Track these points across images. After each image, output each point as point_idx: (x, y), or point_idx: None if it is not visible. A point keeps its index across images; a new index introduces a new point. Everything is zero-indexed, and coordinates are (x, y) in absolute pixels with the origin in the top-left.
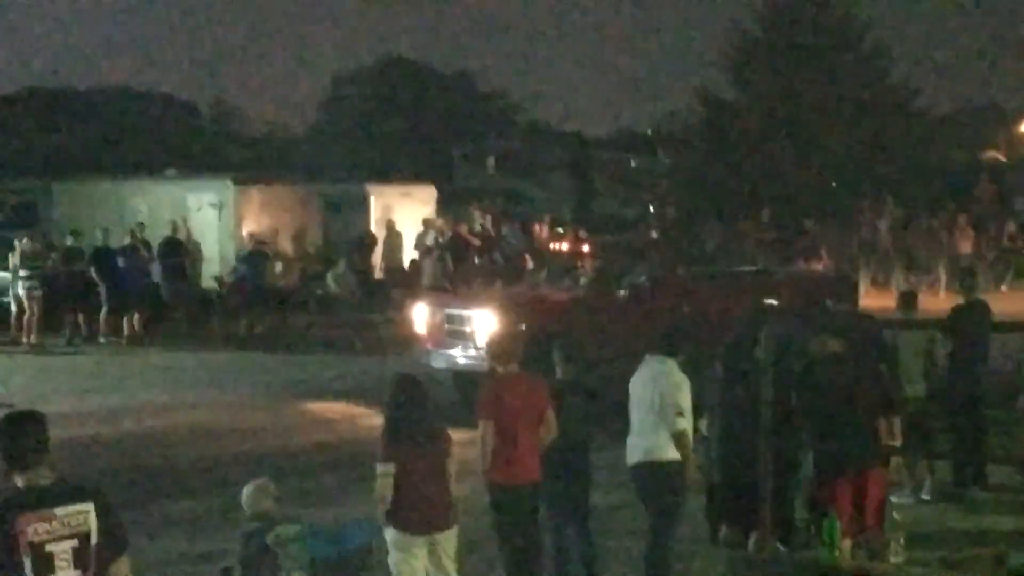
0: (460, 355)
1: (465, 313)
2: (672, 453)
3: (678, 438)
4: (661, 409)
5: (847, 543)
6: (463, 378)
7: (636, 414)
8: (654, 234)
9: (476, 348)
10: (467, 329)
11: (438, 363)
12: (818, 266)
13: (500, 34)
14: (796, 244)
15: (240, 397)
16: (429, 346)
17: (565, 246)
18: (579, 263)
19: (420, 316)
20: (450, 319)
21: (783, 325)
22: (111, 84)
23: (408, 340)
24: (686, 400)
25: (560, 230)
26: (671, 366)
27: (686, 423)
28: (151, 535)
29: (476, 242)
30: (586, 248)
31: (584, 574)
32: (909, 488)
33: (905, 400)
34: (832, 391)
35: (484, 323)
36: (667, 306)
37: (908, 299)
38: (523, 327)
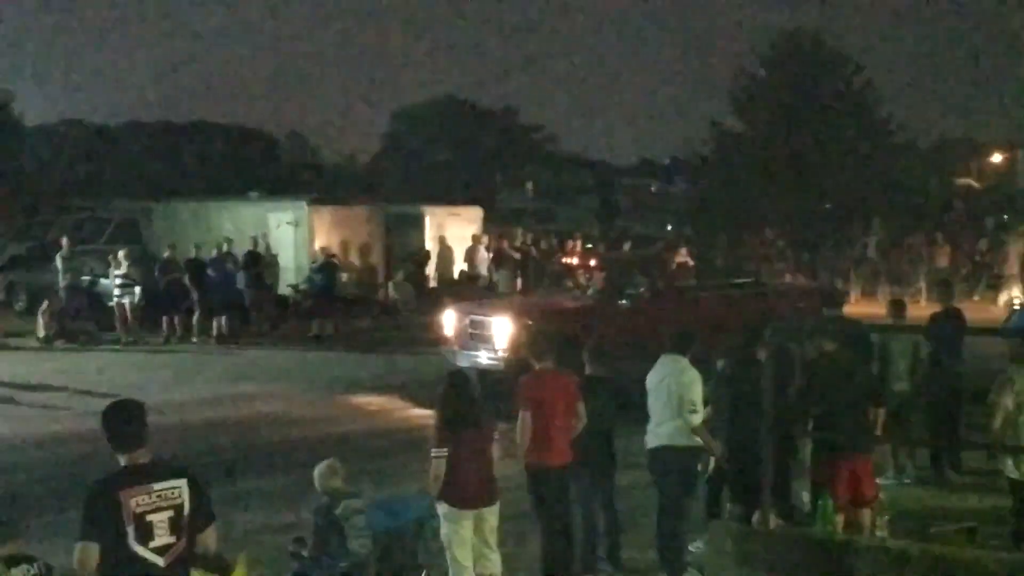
0: (482, 355)
1: (486, 319)
2: (686, 440)
3: (695, 430)
4: (678, 403)
5: (840, 519)
6: (485, 375)
7: (654, 405)
8: (684, 252)
9: (495, 349)
10: (487, 333)
11: (463, 362)
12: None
13: (538, 74)
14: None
15: (309, 390)
16: (456, 347)
17: (575, 260)
18: (589, 275)
19: (448, 321)
20: (473, 324)
21: (782, 330)
22: (203, 119)
23: (439, 341)
24: (698, 395)
25: (589, 245)
26: (684, 364)
27: (699, 417)
28: (236, 509)
29: (516, 256)
30: (593, 262)
31: (608, 544)
32: (892, 472)
33: (889, 394)
34: (827, 386)
35: (501, 328)
36: (663, 313)
37: (898, 307)
38: (540, 328)
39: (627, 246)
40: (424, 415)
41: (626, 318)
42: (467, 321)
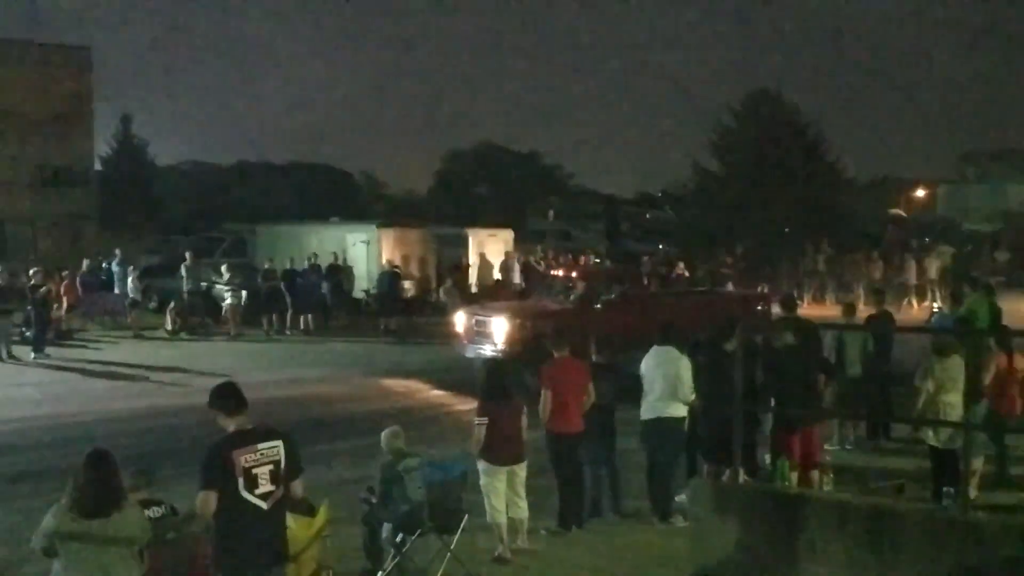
0: (485, 348)
1: (487, 319)
2: (675, 412)
3: (688, 405)
4: (676, 385)
5: (794, 476)
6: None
7: (651, 386)
8: (681, 266)
9: (494, 343)
10: (488, 330)
11: (470, 354)
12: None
13: (558, 125)
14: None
15: (374, 373)
16: (465, 341)
17: (561, 272)
18: (572, 284)
19: (459, 321)
20: (477, 323)
21: (749, 328)
22: (296, 159)
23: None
24: (689, 377)
25: (598, 260)
26: (677, 353)
27: (692, 393)
28: (318, 465)
29: (540, 268)
30: (574, 274)
31: (611, 496)
32: (837, 439)
33: (843, 377)
34: (787, 371)
35: (499, 327)
36: (629, 314)
37: (850, 309)
38: (527, 327)
39: (645, 259)
40: (463, 394)
41: (599, 317)
42: (473, 321)
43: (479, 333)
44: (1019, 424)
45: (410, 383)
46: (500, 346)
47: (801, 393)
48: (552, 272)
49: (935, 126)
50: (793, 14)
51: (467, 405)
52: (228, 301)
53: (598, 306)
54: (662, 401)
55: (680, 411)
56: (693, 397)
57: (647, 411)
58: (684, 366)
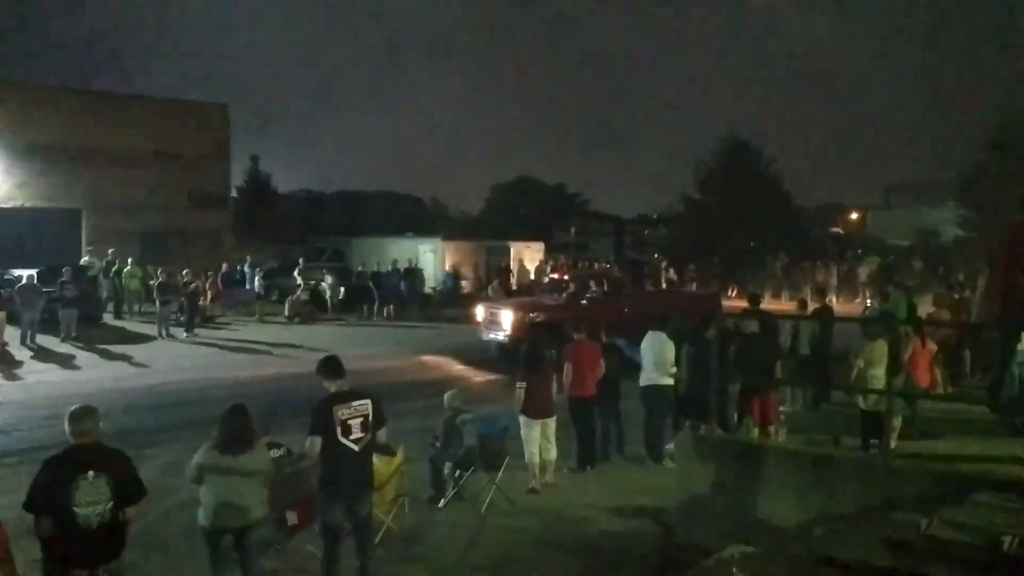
0: (495, 333)
1: (498, 311)
2: (664, 381)
3: (672, 375)
4: (663, 360)
5: (756, 431)
6: (500, 347)
7: (647, 362)
8: (672, 272)
9: (503, 330)
10: (498, 320)
11: (485, 337)
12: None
13: (579, 160)
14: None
15: (439, 350)
16: (483, 328)
17: (557, 275)
18: (567, 285)
19: (479, 312)
20: (491, 313)
21: (722, 318)
22: (382, 188)
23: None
24: (672, 355)
25: (608, 266)
26: (664, 337)
27: (674, 368)
28: (395, 419)
29: (561, 271)
30: (566, 277)
31: (617, 444)
32: (790, 403)
33: (796, 356)
34: (751, 352)
35: (507, 317)
36: (609, 308)
37: (803, 304)
38: (528, 317)
39: (660, 260)
40: (490, 368)
41: (584, 310)
42: (488, 312)
43: (492, 322)
44: (927, 392)
45: (464, 357)
46: (507, 332)
47: (762, 367)
48: (551, 275)
49: (866, 163)
50: (762, 72)
51: (494, 375)
52: (331, 296)
53: (583, 301)
54: (654, 373)
55: (668, 380)
56: (675, 370)
57: (643, 380)
58: (669, 347)
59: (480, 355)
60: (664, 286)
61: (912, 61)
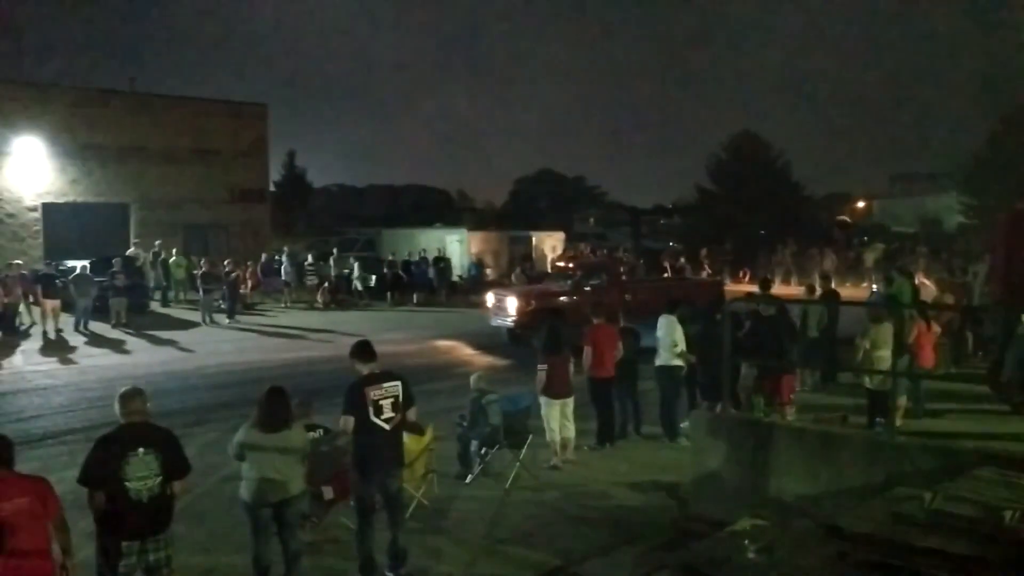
0: (503, 319)
1: (505, 297)
2: (676, 362)
3: (680, 356)
4: (673, 342)
5: (768, 409)
6: (509, 332)
7: (659, 343)
8: (683, 260)
9: (508, 315)
10: (506, 306)
11: (494, 323)
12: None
13: (598, 152)
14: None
15: (466, 334)
16: (492, 314)
17: (562, 264)
18: (573, 272)
19: (488, 299)
20: (499, 300)
21: (733, 302)
22: (412, 182)
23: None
24: (681, 338)
25: (625, 252)
26: (673, 320)
27: (683, 350)
28: (423, 399)
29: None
30: (571, 266)
31: (635, 423)
32: (799, 383)
33: (806, 338)
34: (766, 334)
35: (511, 302)
36: (612, 296)
37: (811, 290)
38: (532, 304)
39: (673, 245)
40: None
41: (585, 296)
42: (496, 299)
43: (500, 308)
44: (930, 372)
45: (488, 341)
46: (513, 317)
47: (774, 350)
48: (557, 264)
49: (872, 153)
50: (772, 67)
51: (506, 359)
52: (362, 283)
53: (587, 288)
54: (667, 353)
55: (678, 361)
56: (678, 350)
57: (657, 361)
58: (678, 330)
59: (497, 339)
60: (670, 273)
61: (921, 52)
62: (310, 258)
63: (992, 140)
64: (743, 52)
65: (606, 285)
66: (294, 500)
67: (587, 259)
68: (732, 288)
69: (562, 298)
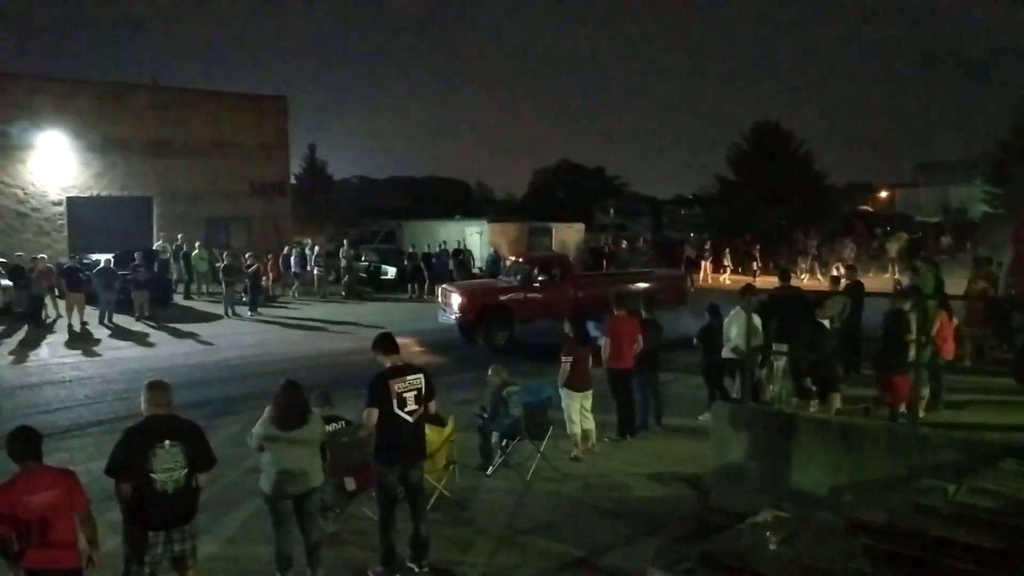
0: (449, 315)
1: (450, 292)
2: (728, 355)
3: (734, 350)
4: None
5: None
6: (459, 328)
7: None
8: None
9: (454, 312)
10: (451, 301)
11: (441, 319)
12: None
13: (619, 143)
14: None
15: None
16: (442, 308)
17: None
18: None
19: (439, 293)
20: (444, 295)
21: (759, 298)
22: (431, 174)
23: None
24: (740, 332)
25: (644, 242)
26: (739, 312)
27: (737, 344)
28: (444, 391)
29: (605, 251)
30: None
31: (655, 415)
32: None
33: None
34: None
35: (455, 299)
36: (558, 293)
37: (835, 281)
38: (477, 299)
39: (694, 236)
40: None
41: (532, 292)
42: (443, 294)
43: (446, 303)
44: (953, 364)
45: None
46: (456, 313)
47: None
48: (511, 258)
49: (895, 142)
50: (794, 57)
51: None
52: (382, 276)
53: (536, 284)
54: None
55: (730, 355)
56: (735, 345)
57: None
58: (738, 324)
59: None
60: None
61: (944, 42)
62: (321, 250)
63: (1018, 128)
64: (763, 41)
65: (559, 280)
66: (314, 492)
67: (538, 253)
68: (762, 281)
69: (509, 294)
